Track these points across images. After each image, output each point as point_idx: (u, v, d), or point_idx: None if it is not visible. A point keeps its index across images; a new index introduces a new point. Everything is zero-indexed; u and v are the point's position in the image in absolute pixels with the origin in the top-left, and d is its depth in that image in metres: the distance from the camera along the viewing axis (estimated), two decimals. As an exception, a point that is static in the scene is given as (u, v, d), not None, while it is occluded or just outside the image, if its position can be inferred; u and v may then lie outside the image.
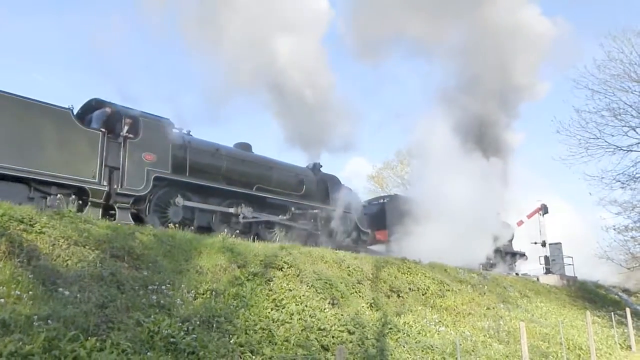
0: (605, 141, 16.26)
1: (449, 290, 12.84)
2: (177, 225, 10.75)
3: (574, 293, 20.55)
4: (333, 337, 7.67)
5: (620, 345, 14.73)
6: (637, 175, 16.04)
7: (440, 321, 10.38)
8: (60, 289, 5.79)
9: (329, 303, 8.67)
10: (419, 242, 16.46)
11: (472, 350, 9.54)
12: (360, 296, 10.02)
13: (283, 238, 13.99)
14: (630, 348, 15.03)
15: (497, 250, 22.64)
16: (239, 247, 9.68)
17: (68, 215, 7.98)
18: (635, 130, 15.96)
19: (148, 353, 5.33)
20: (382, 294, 10.81)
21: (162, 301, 6.52)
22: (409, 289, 11.86)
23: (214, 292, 7.40)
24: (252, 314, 7.30)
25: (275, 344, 6.83)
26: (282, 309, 7.83)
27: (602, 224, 17.74)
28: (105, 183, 10.48)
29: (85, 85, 64.44)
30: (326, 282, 9.48)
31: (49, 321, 4.95)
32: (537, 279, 21.32)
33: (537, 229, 24.96)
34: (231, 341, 6.32)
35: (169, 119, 12.35)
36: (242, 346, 6.36)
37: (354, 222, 16.74)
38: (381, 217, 18.61)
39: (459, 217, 17.37)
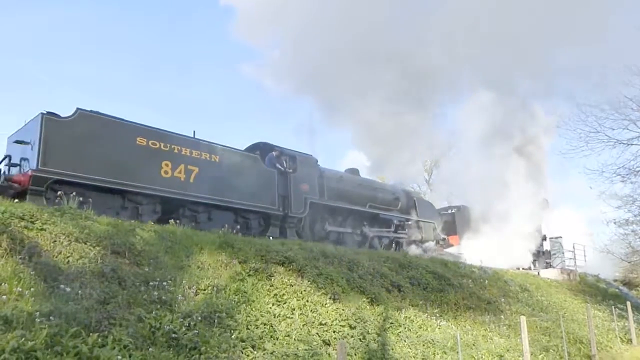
0: (606, 135, 16.20)
1: (449, 285, 12.85)
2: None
3: (574, 287, 20.55)
4: (334, 331, 7.70)
5: (620, 338, 14.76)
6: (638, 169, 15.98)
7: (441, 315, 10.39)
8: (62, 286, 5.80)
9: (330, 298, 8.68)
10: (482, 246, 19.63)
11: (473, 344, 9.56)
12: (361, 291, 10.03)
13: (388, 246, 17.22)
14: (631, 341, 15.06)
15: (538, 251, 24.97)
16: (240, 242, 9.69)
17: (69, 212, 7.99)
18: (635, 124, 15.89)
19: (150, 349, 5.35)
20: (383, 288, 10.82)
21: (163, 297, 6.53)
22: (410, 283, 11.88)
23: (215, 288, 7.41)
24: (254, 309, 7.31)
25: (277, 339, 6.85)
26: (284, 304, 7.85)
27: (602, 218, 17.74)
28: (280, 209, 13.63)
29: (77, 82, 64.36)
30: (327, 277, 9.49)
31: (50, 317, 4.96)
32: (538, 273, 21.33)
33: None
34: (233, 336, 6.34)
35: (312, 154, 15.58)
36: (243, 341, 6.38)
37: (435, 230, 19.95)
38: (452, 224, 21.82)
39: (511, 225, 20.80)
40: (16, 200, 8.52)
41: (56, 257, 6.48)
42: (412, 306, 10.38)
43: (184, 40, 72.32)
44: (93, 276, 6.33)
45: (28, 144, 9.99)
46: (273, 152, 14.40)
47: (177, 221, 10.42)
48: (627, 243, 18.92)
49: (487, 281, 14.84)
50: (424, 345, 8.62)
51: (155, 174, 11.01)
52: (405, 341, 8.44)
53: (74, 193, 9.19)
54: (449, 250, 20.34)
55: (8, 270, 5.65)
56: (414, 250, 17.62)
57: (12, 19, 59.08)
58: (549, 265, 23.51)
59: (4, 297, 5.13)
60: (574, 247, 24.49)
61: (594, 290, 21.03)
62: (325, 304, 8.36)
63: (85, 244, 7.05)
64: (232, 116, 71.34)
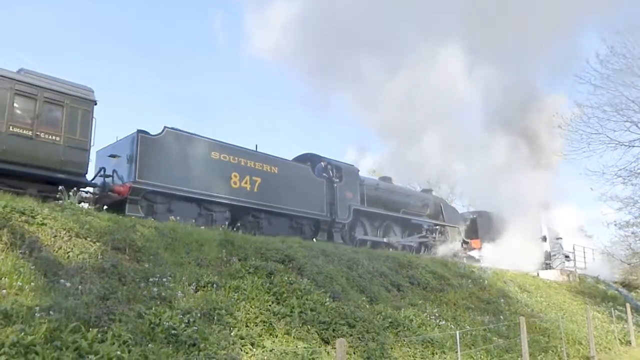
0: (607, 136, 16.08)
1: (449, 285, 12.85)
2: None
3: (574, 288, 20.54)
4: (333, 330, 7.69)
5: (619, 340, 14.75)
6: (639, 171, 15.95)
7: (440, 315, 10.39)
8: (62, 281, 5.81)
9: (329, 297, 8.68)
10: (501, 249, 21.18)
11: (472, 344, 9.56)
12: (360, 290, 10.03)
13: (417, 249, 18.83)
14: (630, 343, 15.05)
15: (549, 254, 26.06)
16: (240, 240, 9.69)
17: (69, 207, 8.00)
18: (637, 126, 15.81)
19: (149, 345, 5.35)
20: (382, 288, 10.82)
21: (163, 293, 6.53)
22: (410, 283, 11.88)
23: (214, 285, 7.42)
24: (253, 306, 7.32)
25: (276, 337, 6.85)
26: (283, 302, 7.85)
27: (603, 220, 17.71)
28: (328, 215, 15.37)
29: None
30: (327, 276, 9.49)
31: (50, 312, 4.97)
32: (537, 274, 21.33)
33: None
34: (232, 334, 6.34)
35: (354, 165, 17.58)
36: (242, 339, 6.38)
37: (460, 234, 21.75)
38: (474, 229, 23.27)
39: (526, 230, 21.98)
40: (105, 207, 9.70)
41: (56, 252, 6.49)
42: (412, 305, 10.37)
43: (182, 34, 72.35)
44: (93, 272, 6.34)
45: (119, 157, 11.50)
46: (321, 163, 16.16)
47: (240, 226, 12.25)
48: (627, 245, 18.89)
49: (486, 281, 14.84)
50: (423, 344, 8.61)
51: (226, 185, 12.62)
52: (404, 341, 8.43)
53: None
54: (472, 253, 21.76)
55: (8, 265, 5.65)
56: (441, 252, 18.99)
57: (13, 14, 59.10)
58: (548, 267, 23.49)
59: (4, 291, 5.14)
60: (573, 249, 24.48)
61: (594, 292, 21.01)
62: (325, 303, 8.35)
63: (86, 239, 7.06)
64: (234, 107, 71.40)
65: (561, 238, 25.05)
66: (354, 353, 7.39)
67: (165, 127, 11.77)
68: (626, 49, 15.58)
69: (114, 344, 4.99)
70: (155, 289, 6.56)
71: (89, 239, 7.10)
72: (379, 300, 9.90)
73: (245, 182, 13.00)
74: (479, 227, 22.99)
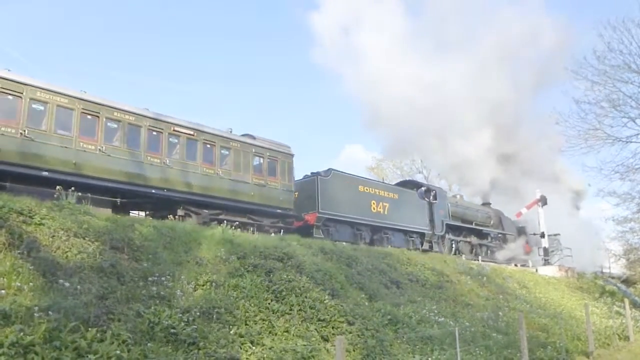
0: (605, 132, 16.03)
1: (448, 282, 12.87)
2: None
3: (572, 284, 20.61)
4: (333, 327, 7.71)
5: (618, 335, 14.78)
6: (636, 167, 15.90)
7: (439, 312, 10.41)
8: (61, 280, 5.80)
9: (328, 294, 8.68)
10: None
11: (472, 341, 9.57)
12: (360, 287, 10.04)
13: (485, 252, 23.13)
14: (628, 338, 15.09)
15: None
16: (239, 238, 9.69)
17: (67, 206, 7.98)
18: (634, 122, 15.76)
19: (148, 344, 5.36)
20: (381, 285, 10.83)
21: (162, 292, 6.53)
22: (409, 280, 11.89)
23: (214, 284, 7.42)
24: (252, 305, 7.32)
25: (275, 335, 6.86)
26: (282, 300, 7.85)
27: (601, 215, 17.75)
28: (430, 229, 19.42)
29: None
30: (326, 274, 9.49)
31: (49, 312, 4.96)
32: (536, 270, 21.39)
33: (536, 220, 24.94)
34: (231, 332, 6.35)
35: (442, 187, 22.90)
36: (242, 337, 6.39)
37: (515, 240, 25.53)
38: (524, 235, 26.81)
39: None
40: (281, 231, 13.32)
41: (55, 252, 6.47)
42: (411, 302, 10.39)
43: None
44: (92, 271, 6.33)
45: (297, 193, 15.16)
46: (422, 188, 20.97)
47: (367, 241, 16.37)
48: (625, 240, 18.91)
49: (485, 278, 14.87)
50: (422, 341, 8.63)
51: (368, 210, 16.69)
52: (403, 337, 8.45)
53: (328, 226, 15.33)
54: (524, 256, 24.87)
55: (7, 265, 5.64)
56: (503, 256, 23.20)
57: (14, 8, 58.84)
58: (547, 263, 23.55)
59: (3, 291, 5.13)
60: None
61: (592, 287, 21.08)
62: (324, 300, 8.35)
63: (84, 239, 7.04)
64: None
65: (559, 234, 25.10)
66: (354, 350, 7.41)
67: (330, 169, 15.95)
68: (623, 44, 15.57)
69: (113, 343, 4.99)
70: (154, 288, 6.56)
71: (87, 238, 7.08)
72: (378, 297, 9.90)
73: (380, 207, 17.12)
74: (527, 234, 26.15)
